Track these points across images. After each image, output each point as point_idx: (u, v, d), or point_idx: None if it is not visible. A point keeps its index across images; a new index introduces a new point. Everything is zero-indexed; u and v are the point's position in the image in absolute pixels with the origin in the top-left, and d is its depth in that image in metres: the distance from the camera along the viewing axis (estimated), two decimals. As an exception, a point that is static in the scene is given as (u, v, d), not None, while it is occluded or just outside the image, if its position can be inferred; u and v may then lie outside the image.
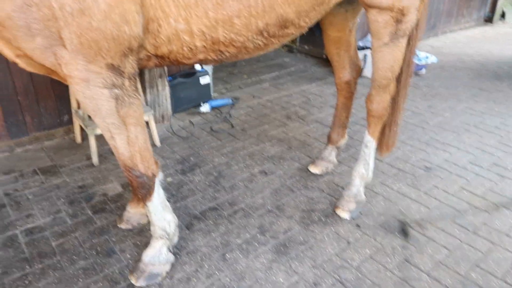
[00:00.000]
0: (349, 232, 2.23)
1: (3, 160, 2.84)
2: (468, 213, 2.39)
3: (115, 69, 1.40)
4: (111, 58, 1.36)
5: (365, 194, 2.42)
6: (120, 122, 1.51)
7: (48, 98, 2.99)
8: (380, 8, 1.81)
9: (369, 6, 1.82)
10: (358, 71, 2.54)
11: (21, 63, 1.43)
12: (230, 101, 3.82)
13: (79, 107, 2.95)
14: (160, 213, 1.83)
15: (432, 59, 5.06)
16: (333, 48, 2.42)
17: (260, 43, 1.64)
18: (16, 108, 2.88)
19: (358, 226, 2.27)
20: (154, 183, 1.73)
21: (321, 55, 5.20)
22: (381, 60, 2.01)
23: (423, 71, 4.79)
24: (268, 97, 4.04)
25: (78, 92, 1.41)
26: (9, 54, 1.38)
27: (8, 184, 2.59)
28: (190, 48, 1.51)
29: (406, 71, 2.21)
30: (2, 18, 1.21)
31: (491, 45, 6.06)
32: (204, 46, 1.52)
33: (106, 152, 2.96)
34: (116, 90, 1.43)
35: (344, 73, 2.51)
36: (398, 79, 2.20)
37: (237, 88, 4.26)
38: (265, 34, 1.60)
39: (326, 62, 5.06)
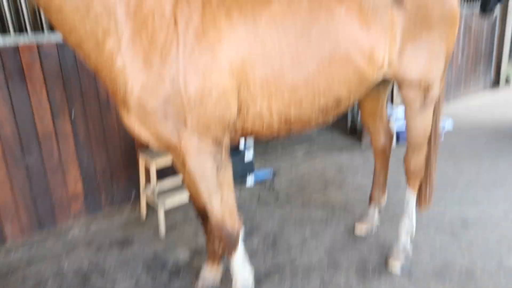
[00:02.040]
0: (403, 283, 2.45)
1: (82, 235, 3.21)
2: (510, 258, 2.61)
3: (217, 142, 1.84)
4: (216, 134, 1.82)
5: (411, 246, 2.68)
6: (217, 184, 1.90)
7: (120, 178, 3.45)
8: (411, 84, 2.26)
9: (402, 83, 2.28)
10: (391, 138, 2.94)
11: (152, 142, 1.87)
12: (271, 174, 4.23)
13: (146, 184, 3.38)
14: (241, 264, 2.13)
15: (449, 125, 5.51)
16: (369, 119, 2.86)
17: (320, 118, 2.08)
18: (94, 188, 3.32)
19: (409, 275, 2.51)
20: (239, 238, 2.07)
21: (346, 127, 5.69)
22: (414, 125, 2.42)
23: (442, 136, 5.18)
24: (304, 168, 4.43)
25: (191, 161, 1.83)
26: (143, 134, 1.83)
27: (90, 255, 2.93)
28: (268, 124, 1.96)
29: (434, 133, 2.62)
30: (151, 107, 1.70)
31: (502, 109, 6.50)
32: (279, 122, 1.97)
33: (170, 225, 3.31)
34: (217, 159, 1.86)
35: (380, 140, 2.91)
36: (429, 140, 2.60)
37: (274, 161, 4.69)
38: (325, 111, 2.05)
39: (351, 133, 5.53)
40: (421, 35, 2.16)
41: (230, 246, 2.07)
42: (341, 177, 4.13)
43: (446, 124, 5.41)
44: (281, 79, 1.87)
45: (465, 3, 6.77)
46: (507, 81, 8.17)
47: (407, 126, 2.50)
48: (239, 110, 1.87)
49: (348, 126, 5.65)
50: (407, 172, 2.63)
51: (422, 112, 2.39)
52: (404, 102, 2.41)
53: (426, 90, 2.31)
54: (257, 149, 5.05)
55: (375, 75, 2.18)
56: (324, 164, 4.50)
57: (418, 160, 2.57)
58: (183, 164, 2.23)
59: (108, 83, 1.77)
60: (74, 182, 3.22)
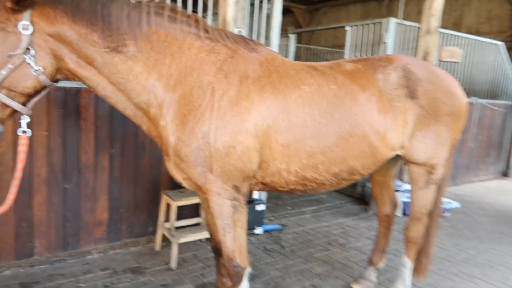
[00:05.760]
0: None
1: (99, 259, 3.50)
2: (495, 334, 2.75)
3: (237, 188, 2.19)
4: (236, 181, 2.17)
5: (403, 309, 2.86)
6: (232, 223, 2.22)
7: (141, 212, 3.79)
8: (418, 164, 2.60)
9: (410, 162, 2.62)
10: (395, 207, 3.23)
11: (184, 183, 2.25)
12: (279, 226, 4.50)
13: (165, 221, 3.71)
14: (244, 299, 2.38)
15: (456, 204, 5.73)
16: (378, 189, 3.18)
17: (334, 182, 2.40)
18: (118, 218, 3.66)
19: (398, 335, 2.67)
20: (244, 273, 2.34)
21: (354, 194, 5.97)
22: (417, 199, 2.73)
23: (447, 214, 5.40)
24: (311, 226, 4.69)
25: (212, 201, 2.18)
26: (178, 177, 2.22)
27: (105, 278, 3.20)
28: (286, 181, 2.30)
29: (436, 210, 2.90)
30: (184, 154, 2.09)
31: (509, 196, 6.69)
32: (295, 181, 2.30)
33: (181, 260, 3.58)
34: (235, 202, 2.20)
35: (385, 208, 3.20)
36: (430, 215, 2.88)
37: (283, 217, 4.96)
38: (339, 177, 2.38)
39: (359, 200, 5.80)
40: (430, 124, 2.51)
41: (236, 280, 2.33)
42: (345, 239, 4.35)
43: (454, 203, 5.65)
44: (301, 145, 2.24)
45: (479, 97, 7.26)
46: (517, 171, 8.40)
47: (411, 199, 2.80)
48: (260, 166, 2.24)
49: (357, 194, 5.94)
50: (407, 241, 2.89)
51: (425, 189, 2.70)
52: (410, 178, 2.73)
53: (430, 171, 2.63)
54: (268, 205, 5.35)
55: (387, 154, 2.51)
56: (329, 226, 4.75)
57: (417, 231, 2.83)
58: (207, 202, 2.58)
59: (157, 140, 2.24)
60: (102, 211, 3.57)
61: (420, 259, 2.94)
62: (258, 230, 4.32)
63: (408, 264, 2.87)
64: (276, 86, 2.19)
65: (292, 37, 7.02)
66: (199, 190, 2.28)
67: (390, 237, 3.29)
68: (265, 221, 4.66)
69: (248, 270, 2.37)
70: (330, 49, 10.42)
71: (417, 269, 2.96)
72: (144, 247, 3.81)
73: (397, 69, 2.44)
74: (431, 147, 2.52)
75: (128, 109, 2.21)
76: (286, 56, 7.10)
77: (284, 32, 6.99)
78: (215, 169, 2.12)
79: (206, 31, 2.19)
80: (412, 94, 2.41)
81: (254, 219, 4.36)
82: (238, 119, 2.09)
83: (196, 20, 2.20)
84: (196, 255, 3.72)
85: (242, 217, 2.26)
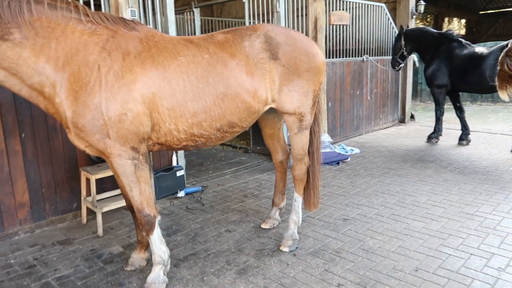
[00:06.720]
0: (288, 259, 3.23)
1: (27, 238, 3.69)
2: (369, 242, 3.49)
3: (135, 149, 2.55)
4: (133, 143, 2.53)
5: (298, 235, 3.48)
6: (136, 180, 2.60)
7: (63, 190, 3.99)
8: (289, 113, 3.13)
9: (283, 112, 3.14)
10: (287, 155, 3.81)
11: (88, 150, 2.55)
12: (200, 188, 4.94)
13: (88, 195, 3.96)
14: (158, 244, 2.79)
15: (356, 150, 6.60)
16: (269, 140, 3.71)
17: (218, 136, 2.85)
18: (40, 198, 3.84)
19: (294, 255, 3.29)
20: (155, 221, 2.75)
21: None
22: (295, 143, 3.29)
23: (348, 159, 6.23)
24: (230, 184, 5.20)
25: (115, 162, 2.52)
26: (81, 145, 2.52)
27: (35, 252, 3.44)
28: (178, 139, 2.70)
29: (316, 151, 3.49)
30: (81, 125, 2.40)
31: (403, 139, 7.77)
32: (186, 138, 2.72)
33: (107, 228, 3.89)
34: (135, 161, 2.56)
35: (278, 156, 3.77)
36: (312, 156, 3.47)
37: (205, 180, 5.41)
38: (221, 131, 2.83)
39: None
40: (293, 80, 3.02)
41: (148, 228, 2.73)
42: (259, 190, 4.93)
43: (355, 150, 6.51)
44: (184, 107, 2.64)
45: (370, 55, 8.14)
46: (411, 117, 9.64)
47: (290, 143, 3.36)
48: (153, 128, 2.61)
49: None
50: (294, 179, 3.47)
51: (299, 134, 3.25)
52: (287, 126, 3.27)
53: (300, 119, 3.17)
54: (191, 171, 5.77)
55: (260, 108, 2.99)
56: (246, 182, 5.30)
57: (300, 169, 3.41)
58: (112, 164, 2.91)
59: (56, 116, 2.51)
60: (22, 193, 3.73)
61: (310, 193, 3.55)
62: (180, 194, 4.73)
63: (298, 198, 3.47)
64: (156, 59, 2.55)
65: (197, 11, 7.25)
66: (102, 154, 2.61)
67: (286, 181, 3.89)
68: (188, 185, 5.08)
69: (158, 219, 2.78)
70: (240, 20, 10.77)
71: (309, 203, 3.58)
72: (71, 222, 4.04)
73: (260, 36, 2.90)
74: (297, 98, 3.06)
75: (23, 91, 2.43)
76: (193, 29, 7.34)
77: (189, 7, 7.21)
78: (112, 135, 2.45)
79: (87, 15, 2.46)
80: (274, 56, 2.90)
81: (176, 184, 4.76)
82: (125, 90, 2.43)
83: (76, 6, 2.45)
84: (122, 222, 4.04)
85: (144, 173, 2.64)
